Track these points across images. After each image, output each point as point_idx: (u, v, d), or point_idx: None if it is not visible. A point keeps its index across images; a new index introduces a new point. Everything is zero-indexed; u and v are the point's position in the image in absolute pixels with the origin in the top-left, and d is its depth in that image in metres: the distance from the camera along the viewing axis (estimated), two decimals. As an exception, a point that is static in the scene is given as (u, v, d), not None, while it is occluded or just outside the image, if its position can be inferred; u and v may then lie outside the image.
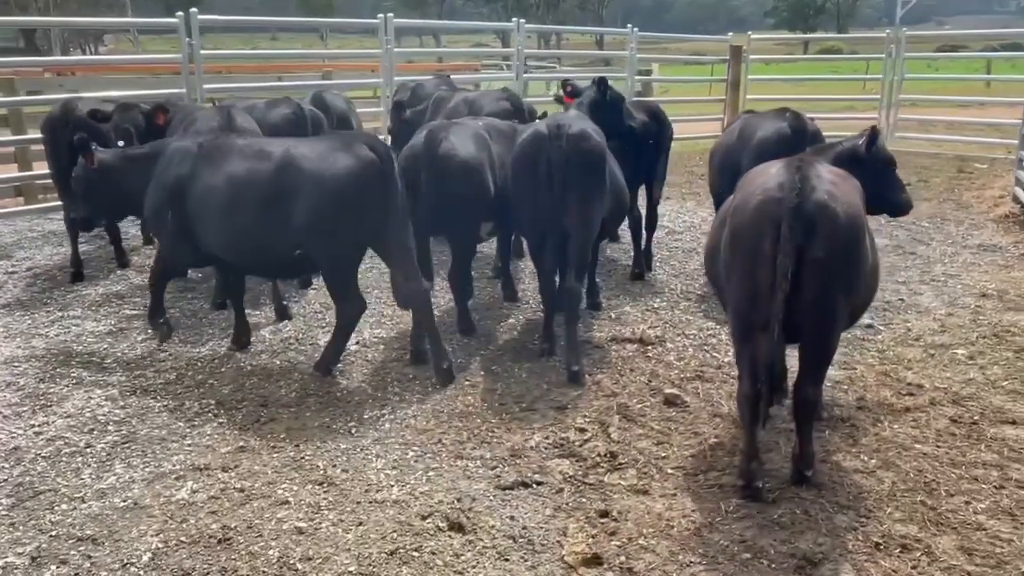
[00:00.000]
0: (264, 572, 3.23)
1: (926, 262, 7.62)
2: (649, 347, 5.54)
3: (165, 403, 4.72)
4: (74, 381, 5.01)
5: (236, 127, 6.19)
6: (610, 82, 6.27)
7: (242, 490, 3.80)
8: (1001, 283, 6.91)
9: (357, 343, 5.58)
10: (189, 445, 4.24)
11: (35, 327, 5.91)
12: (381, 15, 10.71)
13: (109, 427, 4.43)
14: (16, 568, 3.26)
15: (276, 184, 4.72)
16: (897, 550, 3.37)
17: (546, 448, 4.22)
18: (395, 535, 3.45)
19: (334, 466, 4.02)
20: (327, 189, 4.65)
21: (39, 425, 4.44)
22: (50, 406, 4.67)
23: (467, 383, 5.01)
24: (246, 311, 5.61)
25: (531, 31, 15.14)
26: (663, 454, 4.17)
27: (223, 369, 5.20)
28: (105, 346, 5.54)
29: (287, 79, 13.54)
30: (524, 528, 3.53)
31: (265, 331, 5.83)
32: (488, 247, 7.13)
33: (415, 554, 3.34)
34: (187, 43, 8.80)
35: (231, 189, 4.80)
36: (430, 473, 3.97)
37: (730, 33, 15.59)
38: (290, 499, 3.72)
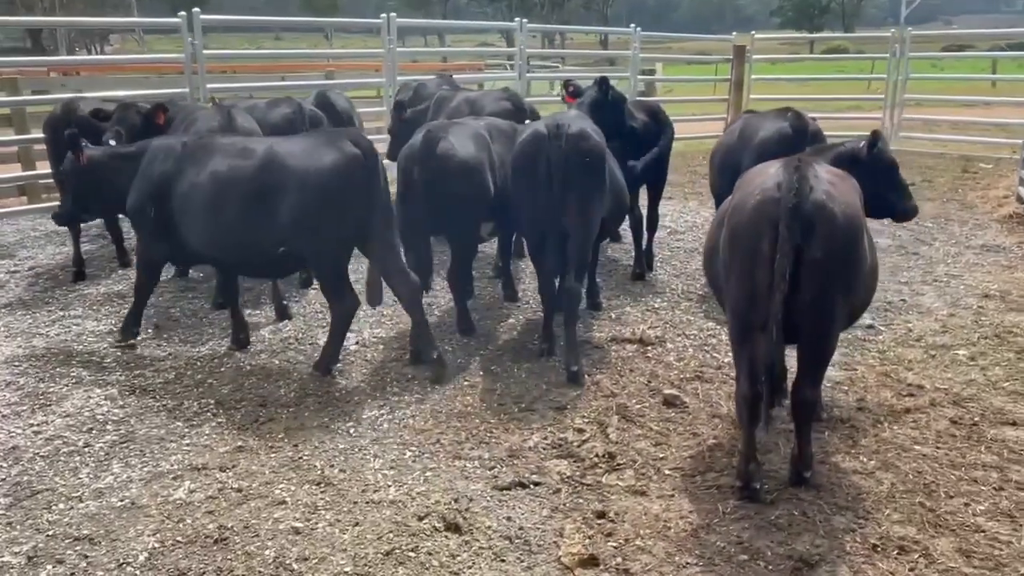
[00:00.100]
0: (260, 572, 3.23)
1: (929, 262, 7.59)
2: (649, 347, 5.53)
3: (164, 403, 4.72)
4: (74, 380, 5.01)
5: (236, 127, 6.20)
6: (613, 82, 6.26)
7: (239, 490, 3.80)
8: (1004, 284, 6.88)
9: (357, 343, 5.58)
10: (187, 445, 4.25)
11: (36, 326, 5.93)
12: (384, 15, 10.71)
13: (108, 426, 4.44)
14: (12, 567, 3.26)
15: (259, 181, 4.75)
16: (895, 552, 3.35)
17: (544, 449, 4.21)
18: (391, 535, 3.45)
19: (332, 466, 4.02)
20: (311, 185, 4.68)
21: (38, 424, 4.45)
22: (49, 405, 4.68)
23: (466, 383, 5.01)
24: (247, 311, 5.62)
25: (535, 31, 15.12)
26: (661, 455, 4.16)
27: (222, 369, 5.21)
28: (105, 345, 5.55)
29: (290, 79, 13.56)
30: (521, 529, 3.53)
31: (265, 331, 5.83)
32: (489, 247, 7.13)
33: (411, 554, 3.33)
34: (190, 43, 8.82)
35: (215, 186, 4.83)
36: (427, 473, 3.96)
37: (734, 32, 15.56)
38: (287, 499, 3.72)
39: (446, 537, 3.45)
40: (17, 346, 5.55)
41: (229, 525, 3.52)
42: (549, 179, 4.92)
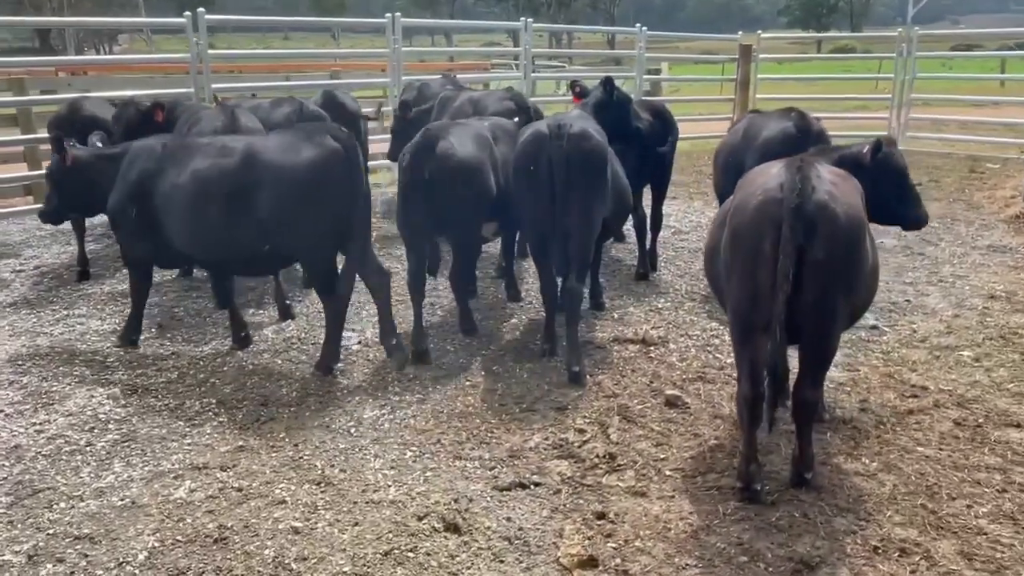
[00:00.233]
0: (259, 572, 3.23)
1: (934, 263, 7.55)
2: (651, 348, 5.52)
3: (166, 402, 4.73)
4: (77, 379, 5.03)
5: (240, 126, 6.21)
6: (619, 81, 6.24)
7: (240, 489, 3.80)
8: (1010, 284, 6.84)
9: (359, 343, 5.59)
10: (188, 444, 4.25)
11: (40, 325, 5.95)
12: (390, 14, 10.71)
13: (110, 425, 4.45)
14: (12, 566, 3.27)
15: (240, 178, 4.78)
16: (896, 554, 3.33)
17: (545, 449, 4.20)
18: (391, 535, 3.45)
19: (332, 466, 4.02)
20: (290, 180, 4.71)
21: (40, 423, 4.46)
22: (52, 404, 4.69)
23: (467, 383, 5.00)
24: (250, 311, 5.63)
25: (542, 30, 15.12)
26: (662, 456, 4.15)
27: (225, 368, 5.21)
28: (109, 344, 5.57)
29: (295, 79, 13.57)
30: (520, 529, 3.52)
31: (268, 330, 5.84)
32: (493, 247, 7.12)
33: (410, 555, 3.33)
34: (195, 43, 8.84)
35: (196, 185, 4.86)
36: (428, 473, 3.96)
37: (740, 32, 15.50)
38: (287, 499, 3.73)
39: (445, 537, 3.44)
40: (21, 345, 5.58)
41: (229, 524, 3.52)
42: (551, 179, 4.91)
